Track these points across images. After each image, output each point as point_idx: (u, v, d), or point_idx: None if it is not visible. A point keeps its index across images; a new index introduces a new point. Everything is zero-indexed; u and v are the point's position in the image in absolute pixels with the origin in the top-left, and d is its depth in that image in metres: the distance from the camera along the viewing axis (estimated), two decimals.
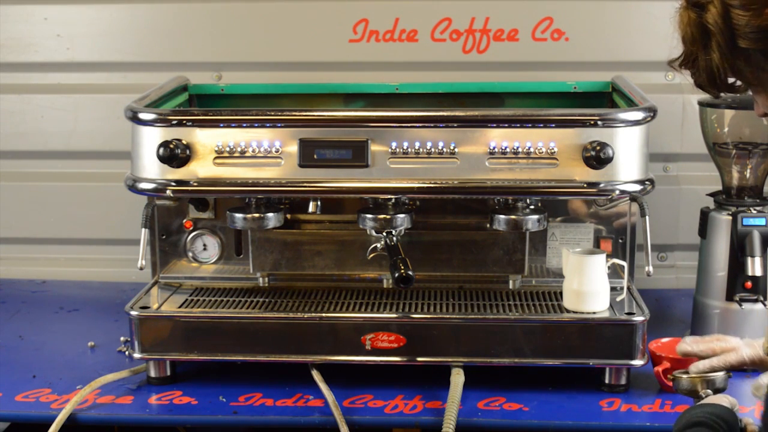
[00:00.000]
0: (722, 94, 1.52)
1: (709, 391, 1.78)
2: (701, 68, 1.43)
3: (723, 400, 1.67)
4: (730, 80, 1.44)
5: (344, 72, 2.73)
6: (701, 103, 2.36)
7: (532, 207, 2.18)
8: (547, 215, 2.20)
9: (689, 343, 1.84)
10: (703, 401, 1.70)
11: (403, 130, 2.08)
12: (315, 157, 2.07)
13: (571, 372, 2.15)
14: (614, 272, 2.21)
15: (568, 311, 2.15)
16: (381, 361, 2.12)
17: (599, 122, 2.05)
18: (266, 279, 2.35)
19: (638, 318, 2.09)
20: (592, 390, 2.11)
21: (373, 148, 2.07)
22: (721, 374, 1.80)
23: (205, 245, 2.37)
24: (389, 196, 2.15)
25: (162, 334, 2.14)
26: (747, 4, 1.35)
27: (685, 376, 1.81)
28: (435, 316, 2.13)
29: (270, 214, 2.20)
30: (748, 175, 2.31)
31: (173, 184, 2.10)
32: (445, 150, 2.06)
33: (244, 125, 2.09)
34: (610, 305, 2.15)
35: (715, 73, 1.42)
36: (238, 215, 2.19)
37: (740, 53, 1.38)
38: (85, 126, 2.82)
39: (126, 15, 2.77)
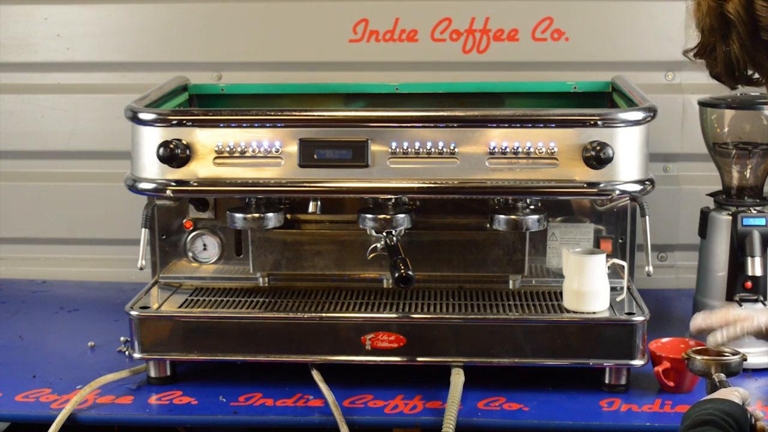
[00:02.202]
0: (734, 89, 1.46)
1: (722, 375, 1.76)
2: (719, 59, 1.37)
3: (734, 394, 1.63)
4: (749, 72, 1.38)
5: (344, 72, 2.73)
6: (701, 103, 2.35)
7: (532, 207, 2.18)
8: (547, 215, 2.20)
9: (701, 319, 1.78)
10: (713, 395, 1.66)
11: (403, 130, 2.08)
12: (315, 157, 2.07)
13: (571, 372, 2.15)
14: (614, 272, 2.21)
15: (568, 311, 2.15)
16: (381, 361, 2.12)
17: (599, 122, 2.05)
18: (266, 279, 2.35)
19: (638, 318, 2.09)
20: (592, 390, 2.11)
21: (373, 148, 2.07)
22: (735, 358, 1.78)
23: (205, 245, 2.37)
24: (389, 196, 2.15)
25: (162, 334, 2.14)
26: None
27: (698, 357, 1.79)
28: (435, 316, 2.13)
29: (270, 214, 2.20)
30: (748, 175, 2.31)
31: (173, 184, 2.10)
32: (445, 150, 2.06)
33: (244, 125, 2.09)
34: (610, 305, 2.15)
35: (734, 65, 1.36)
36: (238, 215, 2.19)
37: (762, 46, 1.33)
38: (85, 126, 2.82)
39: (126, 15, 2.77)
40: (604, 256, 2.14)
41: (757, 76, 1.40)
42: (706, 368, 1.78)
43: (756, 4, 1.31)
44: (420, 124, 2.08)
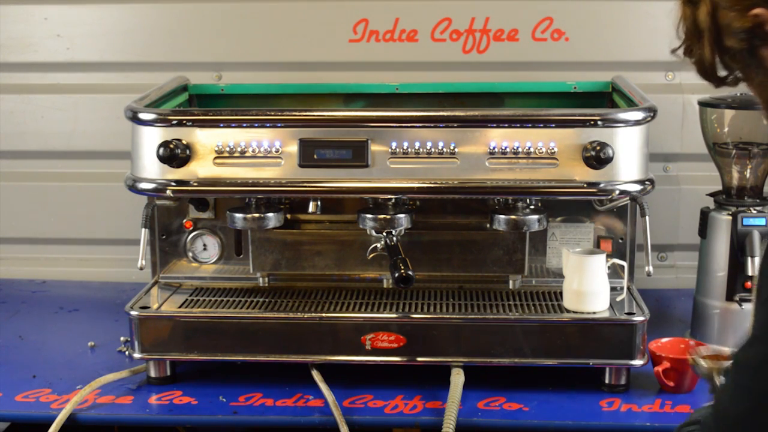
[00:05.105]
0: (717, 88, 1.52)
1: (723, 378, 1.77)
2: (696, 60, 1.46)
3: None
4: (723, 74, 1.46)
5: (344, 72, 2.73)
6: (701, 103, 2.36)
7: (532, 207, 2.18)
8: (547, 215, 2.20)
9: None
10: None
11: (403, 130, 2.08)
12: (315, 157, 2.08)
13: (571, 372, 2.15)
14: (614, 272, 2.21)
15: (568, 311, 2.15)
16: (381, 361, 2.12)
17: (599, 122, 2.05)
18: (266, 279, 2.35)
19: (638, 318, 2.09)
20: (592, 390, 2.11)
21: (373, 148, 2.07)
22: None
23: (205, 245, 2.37)
24: (389, 196, 2.15)
25: (162, 334, 2.14)
26: (732, 4, 1.37)
27: (703, 361, 1.80)
28: (435, 316, 2.13)
29: (270, 214, 2.20)
30: (748, 175, 2.31)
31: (173, 184, 2.10)
32: (445, 150, 2.06)
33: (244, 125, 2.09)
34: (610, 305, 2.15)
35: (706, 67, 1.44)
36: (238, 215, 2.19)
37: (727, 51, 1.41)
38: (85, 126, 2.82)
39: (126, 15, 2.77)
40: (604, 256, 2.14)
41: (731, 78, 1.46)
42: (709, 372, 1.79)
43: (719, 12, 1.38)
44: (420, 124, 2.08)
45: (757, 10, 1.33)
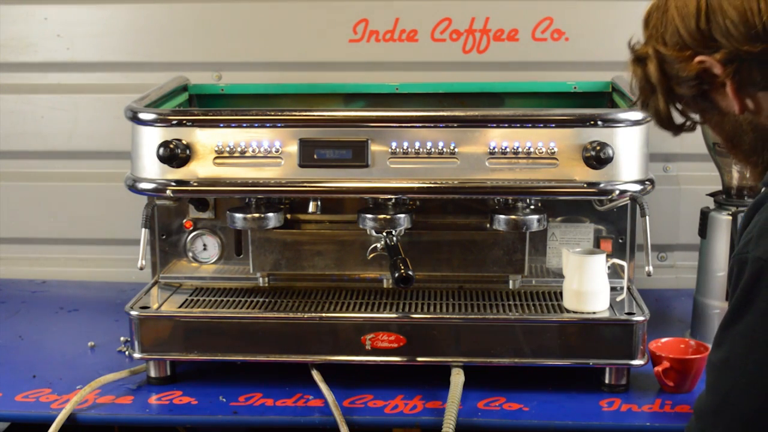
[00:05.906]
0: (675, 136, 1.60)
1: None
2: (653, 113, 1.55)
3: None
4: (680, 121, 1.55)
5: (344, 72, 2.73)
6: None
7: (532, 207, 2.18)
8: (547, 215, 2.20)
9: None
10: None
11: (403, 130, 2.08)
12: (315, 157, 2.08)
13: (571, 372, 2.15)
14: (614, 272, 2.21)
15: (568, 311, 2.15)
16: (381, 361, 2.12)
17: (599, 122, 2.05)
18: (266, 279, 2.35)
19: (638, 318, 2.09)
20: (592, 390, 2.11)
21: (373, 148, 2.07)
22: None
23: (205, 245, 2.37)
24: (389, 196, 2.15)
25: (162, 334, 2.15)
26: (677, 55, 1.46)
27: None
28: (435, 316, 2.13)
29: (270, 214, 2.20)
30: (748, 175, 2.31)
31: (173, 184, 2.11)
32: (445, 150, 2.07)
33: (244, 125, 2.10)
34: (610, 305, 2.15)
35: (662, 118, 1.54)
36: (238, 215, 2.20)
37: (679, 99, 1.51)
38: (85, 126, 2.82)
39: (126, 15, 2.77)
40: (604, 256, 2.14)
41: (689, 123, 1.56)
42: None
43: (666, 65, 1.48)
44: (420, 124, 2.08)
45: (699, 57, 1.43)
